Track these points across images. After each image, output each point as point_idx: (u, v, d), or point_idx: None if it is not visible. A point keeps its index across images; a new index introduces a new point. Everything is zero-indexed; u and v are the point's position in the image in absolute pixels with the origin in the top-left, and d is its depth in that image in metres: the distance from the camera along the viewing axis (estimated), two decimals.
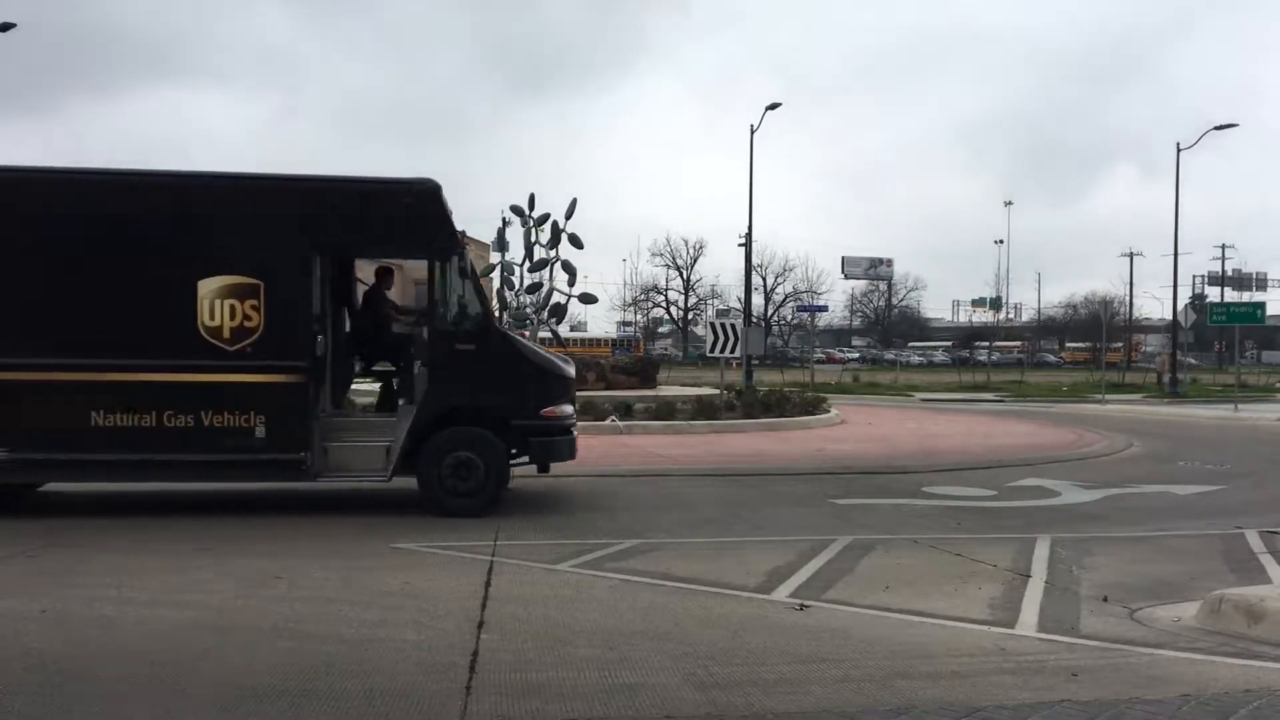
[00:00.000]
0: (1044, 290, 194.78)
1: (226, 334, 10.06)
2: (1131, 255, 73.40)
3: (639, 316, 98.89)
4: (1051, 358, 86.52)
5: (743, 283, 45.07)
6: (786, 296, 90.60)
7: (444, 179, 10.51)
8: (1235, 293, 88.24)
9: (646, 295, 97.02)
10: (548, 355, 11.68)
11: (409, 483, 11.27)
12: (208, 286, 10.07)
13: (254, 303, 10.06)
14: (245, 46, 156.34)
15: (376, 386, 12.47)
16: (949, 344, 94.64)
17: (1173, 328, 45.48)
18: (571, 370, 11.43)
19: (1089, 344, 74.97)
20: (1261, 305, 34.84)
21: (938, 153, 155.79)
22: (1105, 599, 7.32)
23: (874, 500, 12.02)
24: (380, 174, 11.00)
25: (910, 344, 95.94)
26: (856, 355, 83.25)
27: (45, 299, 10.13)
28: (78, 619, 6.40)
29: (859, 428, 22.46)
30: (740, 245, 44.49)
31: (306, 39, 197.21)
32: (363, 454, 10.55)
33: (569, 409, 10.87)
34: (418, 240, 10.57)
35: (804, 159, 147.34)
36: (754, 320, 54.92)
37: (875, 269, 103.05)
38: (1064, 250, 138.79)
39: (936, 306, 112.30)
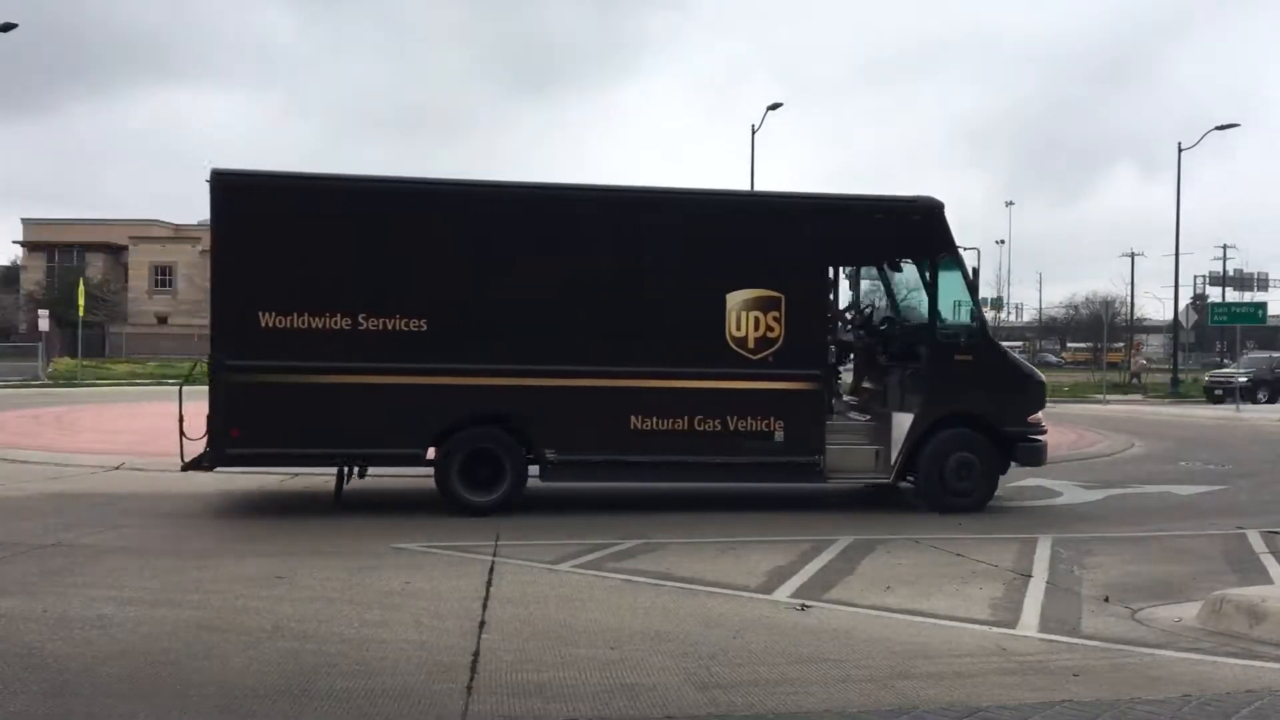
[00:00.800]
0: (1045, 290, 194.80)
1: (751, 344, 10.69)
2: (1133, 255, 72.96)
3: None
4: (1053, 358, 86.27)
5: None
6: None
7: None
8: (1236, 293, 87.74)
9: None
10: (1030, 365, 12.56)
11: (411, 483, 11.30)
12: (735, 299, 10.69)
13: (775, 314, 10.70)
14: (246, 45, 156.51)
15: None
16: None
17: (1174, 328, 45.46)
18: (1044, 377, 12.33)
19: (1090, 344, 74.79)
20: (1263, 305, 34.96)
21: (938, 153, 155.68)
22: (1106, 599, 7.32)
23: (875, 500, 12.01)
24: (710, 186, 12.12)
25: None
26: None
27: (596, 310, 10.62)
28: (78, 619, 6.39)
29: None
30: None
31: (307, 38, 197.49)
32: (857, 456, 11.20)
33: (1041, 415, 11.57)
34: (915, 253, 11.37)
35: (805, 159, 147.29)
36: None
37: None
38: (1065, 250, 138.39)
39: None
